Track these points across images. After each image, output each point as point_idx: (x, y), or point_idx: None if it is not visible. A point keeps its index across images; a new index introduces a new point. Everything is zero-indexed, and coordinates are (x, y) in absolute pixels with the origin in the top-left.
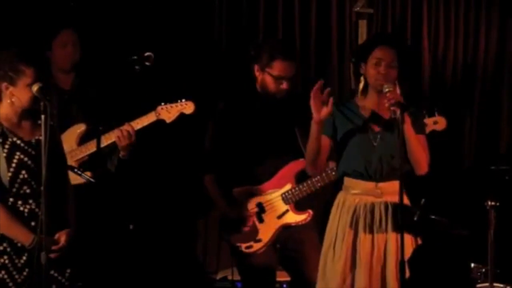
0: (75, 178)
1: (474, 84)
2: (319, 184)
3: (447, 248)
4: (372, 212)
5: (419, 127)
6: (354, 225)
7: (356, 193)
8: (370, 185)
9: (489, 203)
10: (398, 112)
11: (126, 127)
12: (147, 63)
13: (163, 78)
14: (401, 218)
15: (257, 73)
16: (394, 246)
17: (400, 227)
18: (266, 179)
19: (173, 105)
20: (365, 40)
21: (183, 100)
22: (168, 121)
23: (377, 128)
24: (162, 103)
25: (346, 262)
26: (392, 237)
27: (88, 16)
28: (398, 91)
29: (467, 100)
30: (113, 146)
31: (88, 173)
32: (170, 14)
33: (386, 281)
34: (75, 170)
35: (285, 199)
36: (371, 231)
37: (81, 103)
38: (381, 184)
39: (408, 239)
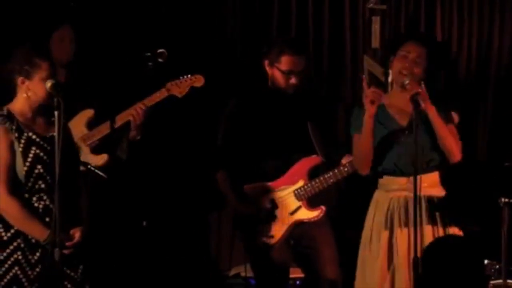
0: None
1: (488, 82)
2: (331, 180)
3: (461, 245)
4: (406, 207)
5: (449, 119)
6: (389, 223)
7: (390, 190)
8: (402, 180)
9: (503, 200)
10: (421, 103)
11: (140, 105)
12: (160, 60)
13: (176, 75)
14: (414, 212)
15: (267, 68)
16: (431, 240)
17: (414, 222)
18: (279, 175)
19: (183, 79)
20: (398, 33)
21: (189, 75)
22: (179, 96)
23: (404, 124)
24: (180, 77)
25: (384, 261)
26: (429, 230)
27: (103, 12)
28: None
29: (481, 97)
30: (122, 131)
31: (104, 156)
32: (184, 11)
33: None
34: (88, 166)
35: (298, 196)
36: (407, 226)
37: (78, 94)
38: (412, 178)
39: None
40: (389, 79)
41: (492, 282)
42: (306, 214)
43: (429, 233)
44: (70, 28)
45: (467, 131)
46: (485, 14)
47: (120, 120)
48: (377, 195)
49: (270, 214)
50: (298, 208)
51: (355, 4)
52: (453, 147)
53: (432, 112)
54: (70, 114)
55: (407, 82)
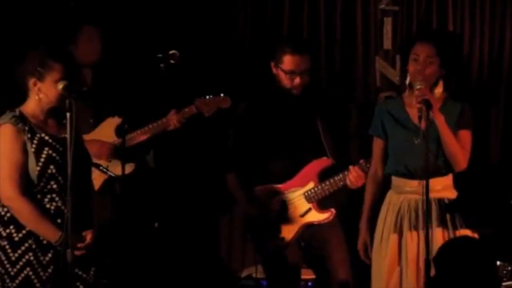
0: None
1: (500, 82)
2: (341, 183)
3: (473, 246)
4: (416, 210)
5: (463, 122)
6: (399, 225)
7: (401, 192)
8: (413, 183)
9: None
10: (424, 109)
11: (177, 118)
12: (171, 61)
13: (188, 75)
14: (427, 215)
15: (273, 70)
16: (441, 242)
17: (426, 225)
18: (289, 177)
19: (211, 98)
20: (407, 36)
21: (221, 95)
22: (206, 114)
23: (421, 126)
24: (207, 96)
25: (392, 262)
26: (438, 233)
27: (114, 13)
28: (440, 88)
29: (493, 97)
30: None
31: (132, 165)
32: (195, 12)
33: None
34: (100, 167)
35: (308, 198)
36: (416, 229)
37: (98, 99)
38: (424, 182)
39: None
40: (406, 81)
41: (504, 283)
42: (316, 216)
43: (439, 236)
44: (96, 27)
45: (479, 132)
46: (497, 14)
47: (154, 129)
48: (390, 195)
49: (280, 216)
50: (308, 210)
51: (367, 5)
52: (458, 156)
53: (438, 120)
54: (98, 116)
55: (418, 86)
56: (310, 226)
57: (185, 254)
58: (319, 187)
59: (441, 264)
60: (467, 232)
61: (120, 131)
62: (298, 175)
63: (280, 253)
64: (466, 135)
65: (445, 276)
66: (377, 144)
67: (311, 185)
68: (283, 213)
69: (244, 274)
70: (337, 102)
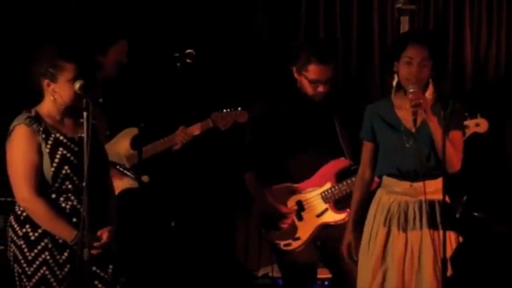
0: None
1: None
2: None
3: (490, 245)
4: (406, 211)
5: (455, 123)
6: (387, 224)
7: (391, 192)
8: (405, 185)
9: None
10: (418, 112)
11: (187, 132)
12: (188, 60)
13: (204, 75)
14: (442, 216)
15: (295, 75)
16: (430, 244)
17: (442, 225)
18: (306, 177)
19: (227, 112)
20: (397, 37)
21: (239, 109)
22: (223, 128)
23: (412, 128)
24: (224, 110)
25: (377, 261)
26: (427, 235)
27: (130, 13)
28: (430, 90)
29: (510, 100)
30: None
31: (146, 177)
32: (211, 12)
33: (422, 281)
34: (117, 167)
35: (325, 198)
36: (405, 231)
37: (112, 111)
38: (416, 184)
39: (450, 236)
40: (394, 82)
41: None
42: (332, 216)
43: (428, 238)
44: (126, 42)
45: (497, 133)
46: None
47: (165, 144)
48: (380, 194)
49: (297, 215)
50: (325, 210)
51: (384, 5)
52: (452, 158)
53: (432, 123)
54: (113, 128)
55: (411, 90)
56: (326, 226)
57: (202, 253)
58: (336, 187)
59: (457, 263)
60: (452, 234)
61: (135, 143)
62: (315, 175)
63: (296, 252)
64: (457, 136)
65: (461, 275)
66: (367, 148)
67: (328, 185)
68: (300, 213)
69: (260, 273)
70: (353, 103)
